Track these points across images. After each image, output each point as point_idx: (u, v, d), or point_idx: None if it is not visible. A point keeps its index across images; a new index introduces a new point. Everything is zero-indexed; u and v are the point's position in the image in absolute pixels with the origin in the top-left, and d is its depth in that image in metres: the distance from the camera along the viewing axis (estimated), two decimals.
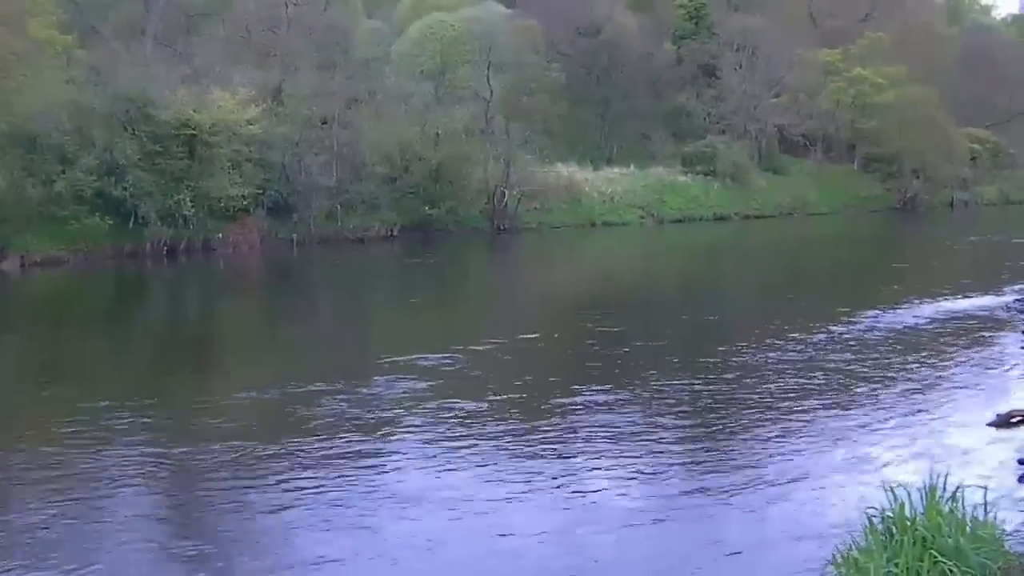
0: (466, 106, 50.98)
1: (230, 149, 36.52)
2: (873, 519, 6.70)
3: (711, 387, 13.36)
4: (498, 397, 12.97)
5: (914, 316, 18.93)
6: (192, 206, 34.74)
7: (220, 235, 36.54)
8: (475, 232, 44.04)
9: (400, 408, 12.39)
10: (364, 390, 13.44)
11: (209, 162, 35.82)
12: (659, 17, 65.93)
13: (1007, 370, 14.24)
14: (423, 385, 13.69)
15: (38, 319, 23.04)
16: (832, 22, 74.13)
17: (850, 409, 12.07)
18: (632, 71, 60.64)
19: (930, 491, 6.74)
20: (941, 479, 6.90)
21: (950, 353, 15.53)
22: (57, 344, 18.99)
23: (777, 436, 10.95)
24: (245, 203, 36.94)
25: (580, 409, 12.24)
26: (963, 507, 6.64)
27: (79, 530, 8.62)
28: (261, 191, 37.58)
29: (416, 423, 11.72)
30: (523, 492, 9.25)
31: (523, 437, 11.07)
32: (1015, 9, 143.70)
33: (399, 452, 10.59)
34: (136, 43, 45.86)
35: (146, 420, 12.05)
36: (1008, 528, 7.19)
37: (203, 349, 19.09)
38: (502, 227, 45.06)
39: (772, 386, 13.31)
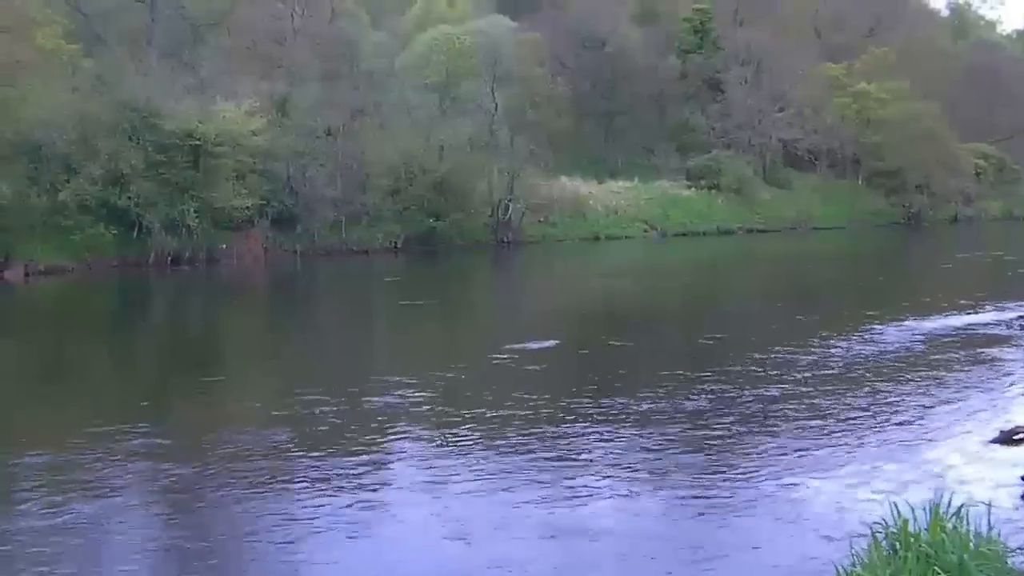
0: (471, 119, 51.22)
1: (234, 160, 36.65)
2: (877, 535, 6.66)
3: (708, 403, 13.30)
4: (494, 413, 12.90)
5: (917, 332, 18.84)
6: (196, 216, 34.82)
7: (224, 246, 36.64)
8: (479, 245, 44.07)
9: (400, 420, 12.40)
10: (358, 406, 13.42)
11: (214, 173, 35.93)
12: (664, 31, 66.15)
13: (1010, 387, 14.16)
14: (418, 399, 13.72)
15: (40, 328, 23.04)
16: (837, 37, 74.41)
17: (852, 424, 12.00)
18: (637, 85, 60.85)
19: (934, 507, 6.70)
20: (945, 496, 6.87)
21: (953, 369, 15.45)
22: (59, 353, 18.99)
23: (778, 453, 10.88)
24: (249, 214, 37.05)
25: (575, 431, 12.19)
26: (967, 524, 6.60)
27: (80, 539, 8.58)
28: (265, 202, 37.66)
29: (414, 435, 11.75)
30: (525, 507, 9.23)
31: (522, 452, 11.03)
32: (1021, 25, 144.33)
33: (401, 466, 10.61)
34: (141, 53, 46.09)
35: (145, 429, 12.01)
36: (1012, 545, 7.13)
37: (203, 360, 19.05)
38: (506, 240, 45.10)
39: (772, 403, 13.24)
